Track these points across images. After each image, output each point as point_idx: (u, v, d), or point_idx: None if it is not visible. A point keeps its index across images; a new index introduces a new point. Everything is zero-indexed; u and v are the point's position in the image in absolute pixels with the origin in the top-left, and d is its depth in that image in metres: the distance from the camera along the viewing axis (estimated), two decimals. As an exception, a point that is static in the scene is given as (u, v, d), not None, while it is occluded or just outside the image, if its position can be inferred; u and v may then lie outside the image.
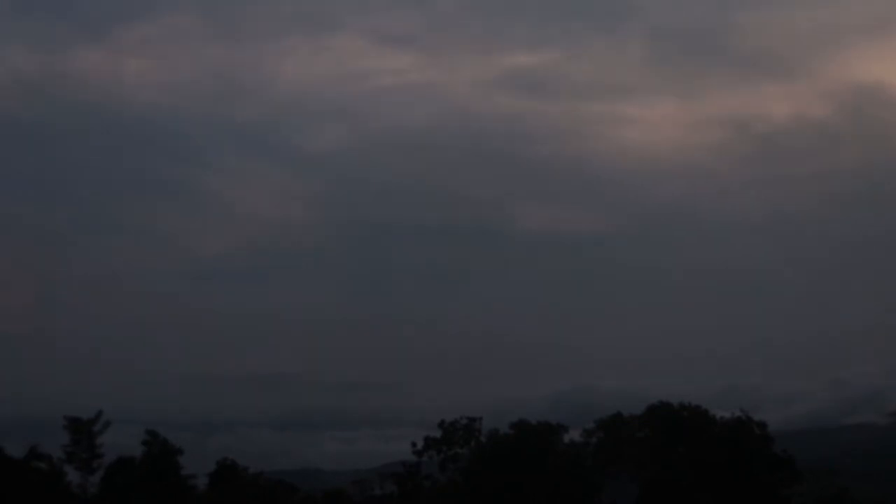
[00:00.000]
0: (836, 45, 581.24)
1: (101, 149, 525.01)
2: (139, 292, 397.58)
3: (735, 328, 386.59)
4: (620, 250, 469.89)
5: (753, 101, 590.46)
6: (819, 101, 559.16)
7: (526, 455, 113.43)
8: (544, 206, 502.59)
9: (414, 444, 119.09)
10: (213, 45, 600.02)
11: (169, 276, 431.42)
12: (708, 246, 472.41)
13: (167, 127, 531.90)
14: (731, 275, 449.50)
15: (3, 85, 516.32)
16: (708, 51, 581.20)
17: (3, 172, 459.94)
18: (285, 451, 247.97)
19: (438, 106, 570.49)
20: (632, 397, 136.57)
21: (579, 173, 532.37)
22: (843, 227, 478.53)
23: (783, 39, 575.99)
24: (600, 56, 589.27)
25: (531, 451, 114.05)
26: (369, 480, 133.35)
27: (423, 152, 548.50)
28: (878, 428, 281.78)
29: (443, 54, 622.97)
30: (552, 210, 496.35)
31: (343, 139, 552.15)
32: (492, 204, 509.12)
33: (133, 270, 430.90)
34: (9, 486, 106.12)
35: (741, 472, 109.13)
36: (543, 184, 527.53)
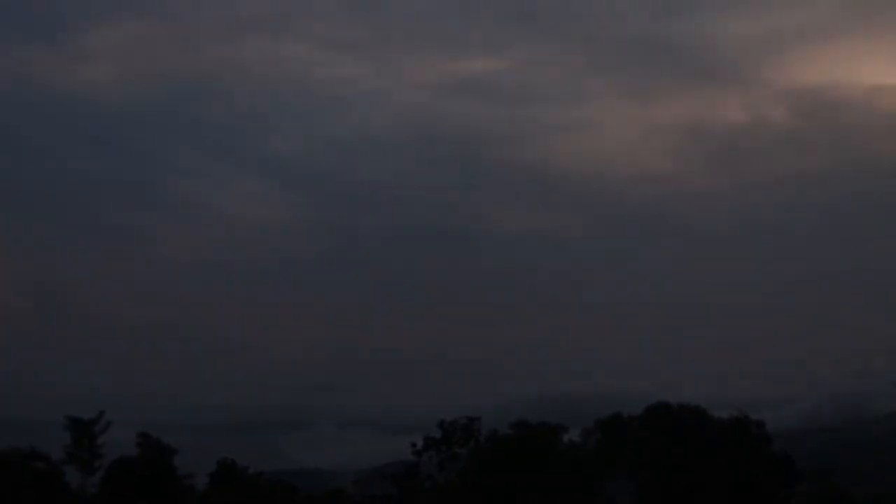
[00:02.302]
0: (783, 51, 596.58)
1: (67, 153, 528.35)
2: (128, 296, 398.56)
3: (731, 329, 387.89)
4: (601, 253, 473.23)
5: (705, 106, 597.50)
6: (772, 104, 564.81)
7: (525, 455, 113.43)
8: (516, 209, 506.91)
9: (414, 444, 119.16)
10: (174, 50, 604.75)
11: (154, 278, 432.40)
12: (685, 248, 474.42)
13: (132, 131, 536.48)
14: (719, 276, 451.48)
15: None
16: (660, 57, 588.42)
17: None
18: (285, 452, 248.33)
19: (397, 111, 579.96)
20: (630, 398, 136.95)
21: (544, 177, 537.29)
22: (820, 228, 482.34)
23: (730, 46, 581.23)
24: (555, 62, 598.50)
25: (531, 451, 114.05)
26: (369, 480, 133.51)
27: (385, 157, 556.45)
28: (878, 427, 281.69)
29: (401, 60, 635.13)
30: (522, 213, 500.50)
31: (307, 144, 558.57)
32: (466, 207, 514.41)
33: (115, 274, 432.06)
34: (8, 486, 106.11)
35: (740, 473, 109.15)
36: (509, 187, 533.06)
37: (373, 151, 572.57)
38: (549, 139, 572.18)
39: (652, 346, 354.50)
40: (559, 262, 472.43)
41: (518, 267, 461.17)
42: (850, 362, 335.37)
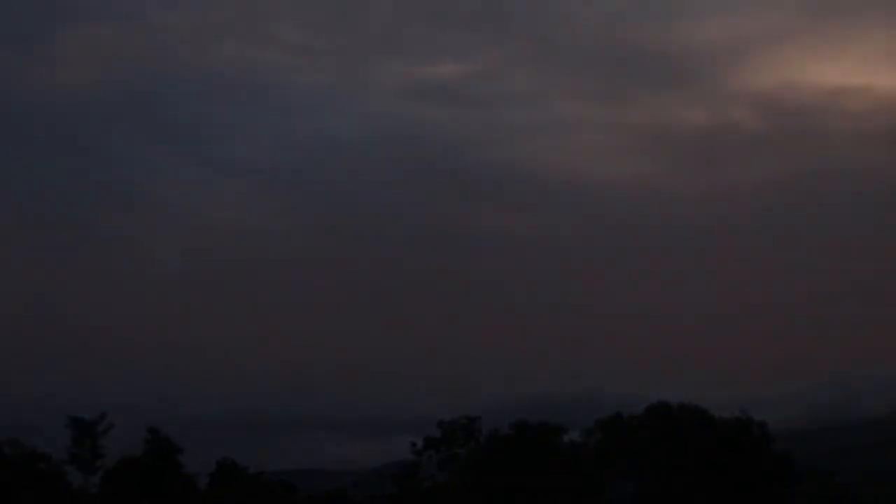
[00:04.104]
0: (748, 53, 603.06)
1: (39, 156, 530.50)
2: (116, 297, 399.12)
3: (729, 329, 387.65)
4: (584, 254, 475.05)
5: (672, 110, 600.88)
6: (737, 107, 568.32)
7: (525, 455, 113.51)
8: (489, 211, 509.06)
9: (414, 444, 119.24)
10: (147, 53, 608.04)
11: (140, 280, 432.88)
12: (669, 248, 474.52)
13: (105, 133, 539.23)
14: (708, 277, 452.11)
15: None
16: (627, 61, 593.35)
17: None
18: (285, 451, 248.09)
19: (368, 116, 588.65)
20: (630, 398, 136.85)
21: (515, 180, 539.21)
22: (798, 228, 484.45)
23: (695, 49, 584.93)
24: (523, 66, 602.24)
25: (531, 451, 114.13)
26: (369, 480, 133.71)
27: (358, 161, 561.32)
28: (878, 428, 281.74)
29: (370, 65, 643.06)
30: (496, 214, 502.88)
31: (280, 148, 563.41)
32: (443, 210, 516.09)
33: (102, 276, 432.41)
34: (9, 486, 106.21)
35: (741, 473, 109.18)
36: (483, 190, 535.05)
37: (345, 155, 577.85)
38: (518, 142, 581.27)
39: (651, 345, 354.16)
40: (546, 264, 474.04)
41: (506, 269, 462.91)
42: (850, 362, 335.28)
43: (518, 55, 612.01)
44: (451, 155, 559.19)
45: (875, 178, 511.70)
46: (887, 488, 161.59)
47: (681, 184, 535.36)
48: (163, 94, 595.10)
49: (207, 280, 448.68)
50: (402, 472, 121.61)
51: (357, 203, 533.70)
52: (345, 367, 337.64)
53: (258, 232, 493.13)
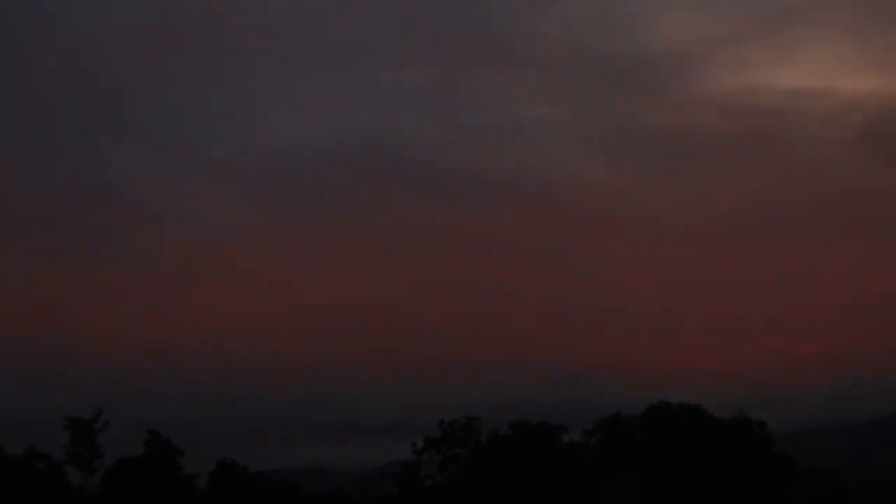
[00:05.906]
0: (714, 55, 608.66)
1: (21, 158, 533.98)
2: (110, 298, 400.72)
3: (729, 328, 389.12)
4: (573, 254, 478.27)
5: (638, 113, 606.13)
6: (703, 110, 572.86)
7: (526, 455, 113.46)
8: (465, 213, 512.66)
9: (414, 445, 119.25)
10: (116, 57, 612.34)
11: (134, 280, 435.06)
12: (656, 249, 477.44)
13: (86, 134, 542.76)
14: (696, 277, 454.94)
15: None
16: (594, 64, 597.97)
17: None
18: (285, 452, 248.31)
19: (334, 118, 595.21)
20: (630, 398, 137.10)
21: (497, 180, 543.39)
22: (779, 228, 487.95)
23: (660, 53, 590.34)
24: (486, 70, 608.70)
25: (531, 451, 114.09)
26: (369, 480, 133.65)
27: (331, 164, 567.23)
28: (877, 427, 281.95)
29: (337, 68, 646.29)
30: (471, 216, 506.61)
31: (255, 151, 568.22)
32: (427, 211, 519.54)
33: (93, 276, 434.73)
34: (8, 486, 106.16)
35: (741, 472, 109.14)
36: (458, 191, 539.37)
37: (315, 157, 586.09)
38: (486, 146, 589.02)
39: (650, 345, 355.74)
40: (536, 265, 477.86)
41: (497, 268, 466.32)
42: (848, 363, 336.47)
43: (485, 60, 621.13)
44: (419, 158, 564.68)
45: (842, 178, 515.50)
46: (887, 488, 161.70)
47: (648, 185, 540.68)
48: (144, 98, 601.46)
49: (202, 280, 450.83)
50: (402, 473, 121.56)
51: (335, 203, 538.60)
52: (345, 368, 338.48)
53: (248, 231, 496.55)
